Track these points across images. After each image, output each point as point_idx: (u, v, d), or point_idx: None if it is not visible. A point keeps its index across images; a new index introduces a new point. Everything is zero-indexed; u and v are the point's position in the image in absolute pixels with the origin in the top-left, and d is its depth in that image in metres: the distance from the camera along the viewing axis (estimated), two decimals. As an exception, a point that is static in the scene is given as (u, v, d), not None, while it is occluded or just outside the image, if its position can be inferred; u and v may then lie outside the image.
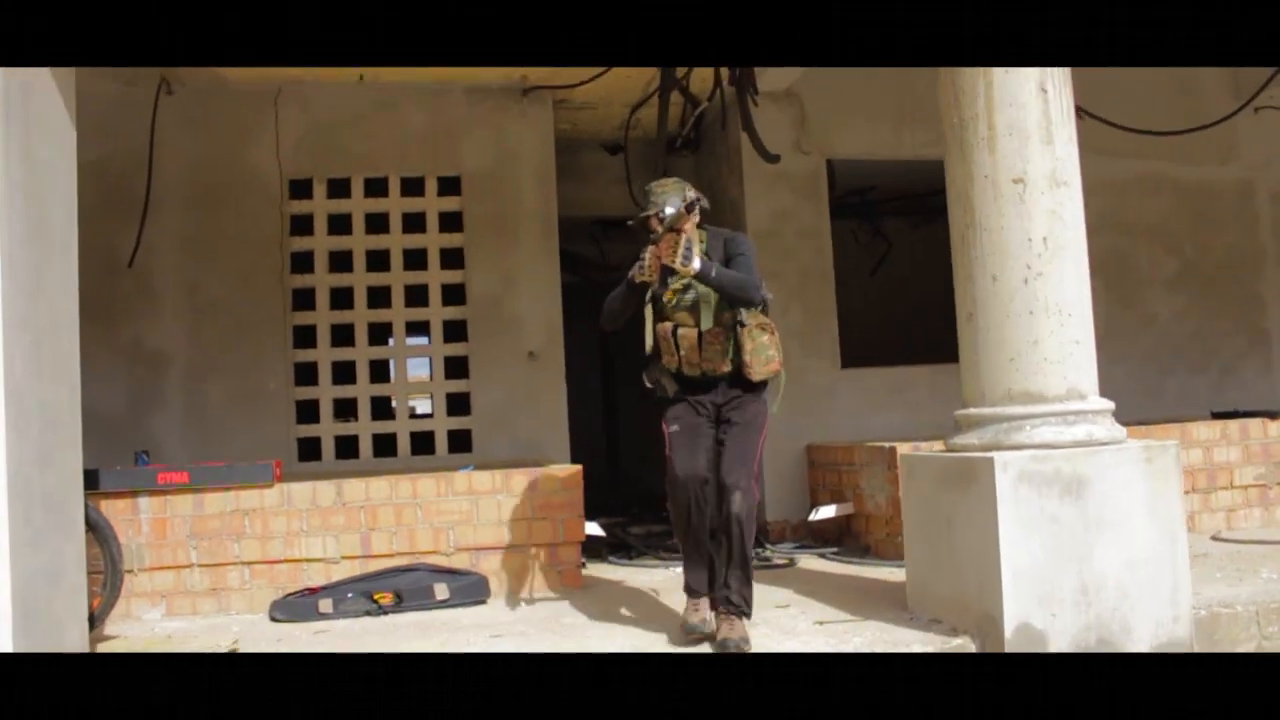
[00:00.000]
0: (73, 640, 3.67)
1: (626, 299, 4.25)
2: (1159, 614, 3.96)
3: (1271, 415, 6.71)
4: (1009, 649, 3.80)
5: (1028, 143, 4.13)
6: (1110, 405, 4.21)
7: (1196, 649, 4.04)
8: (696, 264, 4.00)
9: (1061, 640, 3.85)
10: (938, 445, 4.69)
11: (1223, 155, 8.43)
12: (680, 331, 4.22)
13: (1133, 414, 7.54)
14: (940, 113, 4.40)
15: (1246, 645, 4.19)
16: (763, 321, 4.19)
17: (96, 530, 4.45)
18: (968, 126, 4.22)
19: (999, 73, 4.14)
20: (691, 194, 4.24)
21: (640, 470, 11.12)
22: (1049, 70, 4.16)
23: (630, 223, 4.28)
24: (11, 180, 3.28)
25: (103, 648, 4.30)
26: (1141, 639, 3.93)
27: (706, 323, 4.17)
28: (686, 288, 4.20)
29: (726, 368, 4.19)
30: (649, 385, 4.35)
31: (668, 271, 4.12)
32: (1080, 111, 7.42)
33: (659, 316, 4.28)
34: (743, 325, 4.14)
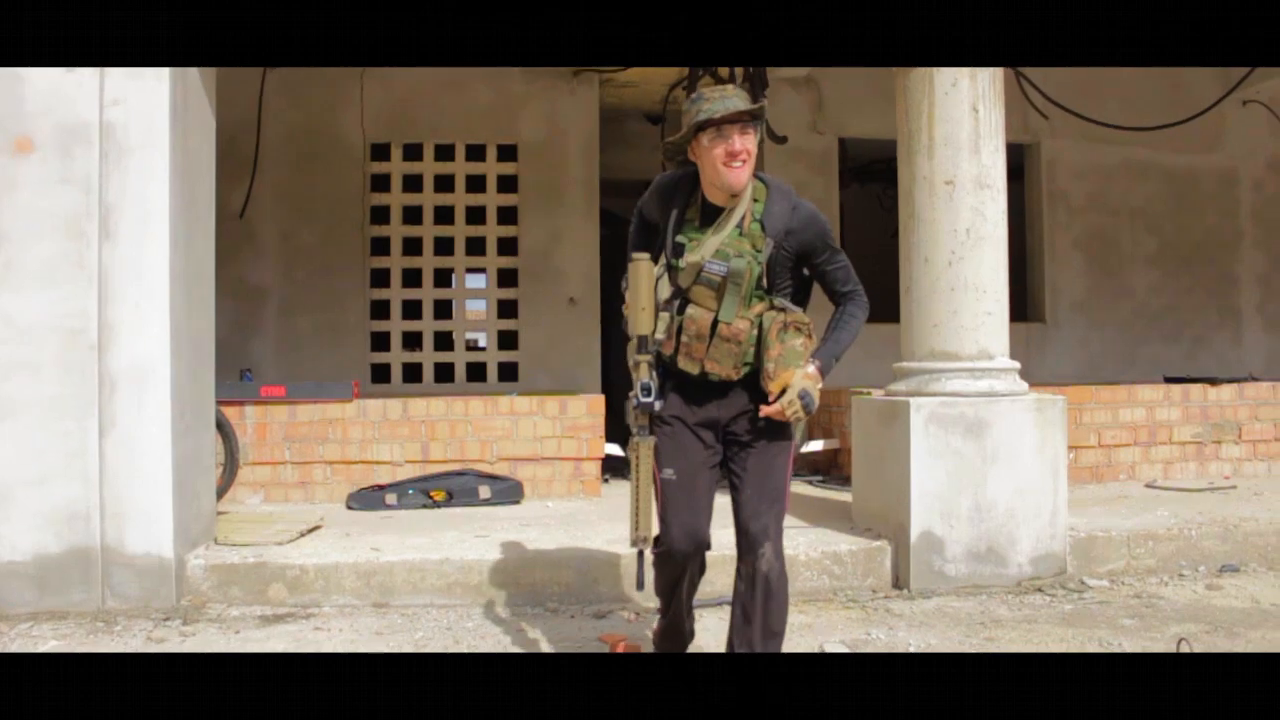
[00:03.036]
0: (206, 506, 4.93)
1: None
2: (1039, 532, 5.04)
3: (1212, 381, 7.64)
4: (913, 552, 4.90)
5: (959, 152, 5.13)
6: (1015, 365, 5.25)
7: (1070, 562, 5.12)
8: (817, 399, 3.06)
9: (957, 547, 4.94)
10: (887, 393, 5.76)
11: (1209, 144, 9.27)
12: (690, 312, 3.08)
13: (1106, 377, 8.57)
14: (896, 124, 5.42)
15: (1115, 564, 5.25)
16: (799, 320, 3.09)
17: (222, 429, 5.70)
18: (913, 137, 5.24)
19: (940, 94, 5.14)
20: (759, 109, 3.05)
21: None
22: (981, 93, 5.15)
23: (668, 143, 3.14)
24: (174, 167, 4.47)
25: (220, 520, 5.54)
26: (1023, 551, 5.02)
27: (729, 313, 3.04)
28: (716, 258, 3.05)
29: (737, 375, 3.09)
30: (632, 379, 3.11)
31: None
32: (1066, 110, 8.40)
33: (674, 278, 3.12)
34: (768, 319, 3.07)
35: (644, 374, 3.02)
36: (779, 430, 3.15)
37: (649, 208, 3.28)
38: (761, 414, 3.04)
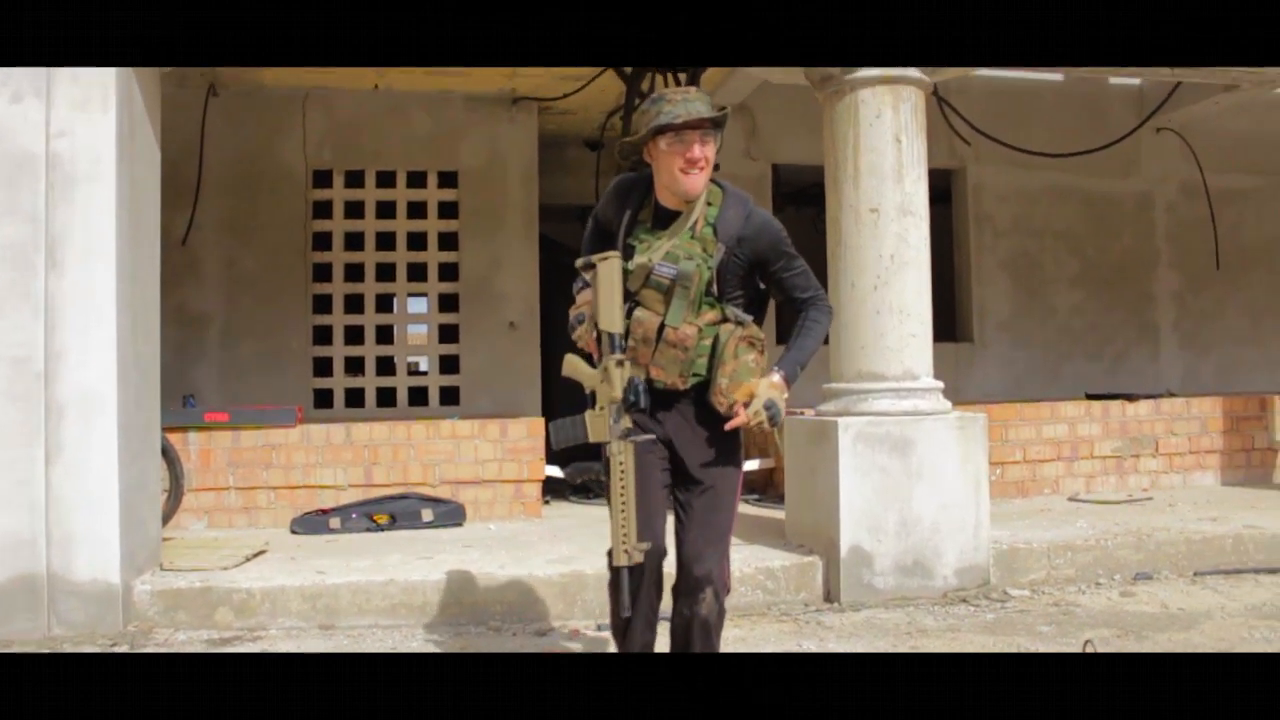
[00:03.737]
0: (152, 531, 5.00)
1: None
2: (963, 545, 5.27)
3: (1130, 398, 7.96)
4: (843, 566, 5.10)
5: (884, 181, 5.37)
6: (938, 385, 5.48)
7: (993, 573, 5.35)
8: (783, 411, 2.95)
9: (885, 561, 5.15)
10: (818, 412, 5.97)
11: (1126, 169, 9.65)
12: (638, 314, 2.97)
13: (1032, 393, 8.87)
14: (824, 155, 5.64)
15: (1036, 574, 5.49)
16: (754, 335, 2.99)
17: (167, 455, 5.76)
18: (840, 166, 5.47)
19: (864, 125, 5.37)
20: (721, 117, 2.97)
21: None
22: (904, 125, 5.39)
23: (624, 142, 3.05)
24: (121, 198, 4.56)
25: (165, 546, 5.59)
26: (948, 563, 5.24)
27: (676, 317, 2.94)
28: (666, 260, 2.96)
29: (683, 384, 2.97)
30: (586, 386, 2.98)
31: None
32: (989, 138, 8.73)
33: (624, 281, 2.99)
34: (729, 331, 2.96)
35: (624, 374, 2.85)
36: (729, 458, 3.05)
37: (604, 211, 3.17)
38: (727, 427, 2.93)
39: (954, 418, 5.36)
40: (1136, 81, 9.19)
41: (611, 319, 2.90)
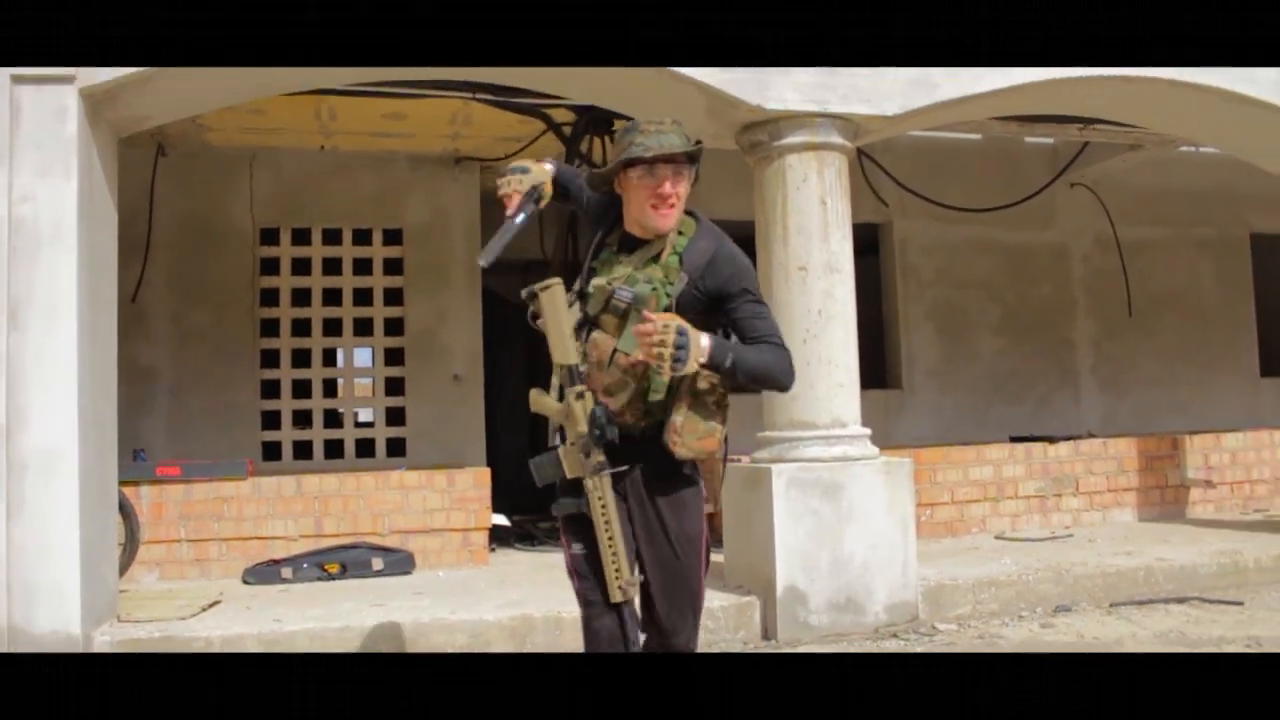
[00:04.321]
0: (110, 583, 5.13)
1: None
2: (892, 582, 5.55)
3: (1051, 440, 8.35)
4: (779, 605, 5.36)
5: (811, 240, 5.69)
6: (865, 431, 5.79)
7: (922, 609, 5.64)
8: (692, 364, 2.64)
9: (819, 599, 5.42)
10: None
11: (1043, 222, 10.14)
12: (594, 336, 2.86)
13: (960, 437, 9.24)
14: (755, 214, 5.96)
15: (963, 609, 5.78)
16: (715, 382, 2.75)
17: (123, 509, 5.88)
18: (770, 225, 5.79)
19: (792, 188, 5.70)
20: (695, 151, 2.85)
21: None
22: (829, 188, 5.72)
23: (595, 173, 2.97)
24: (82, 261, 4.73)
25: (121, 598, 5.70)
26: (879, 600, 5.52)
27: (629, 343, 2.75)
28: (627, 283, 2.83)
29: (635, 420, 2.82)
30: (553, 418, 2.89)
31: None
32: (912, 193, 9.16)
33: (585, 303, 2.90)
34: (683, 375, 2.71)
35: (586, 406, 2.74)
36: (693, 519, 2.87)
37: (593, 202, 3.05)
38: (633, 332, 2.67)
39: (880, 463, 5.67)
40: (1050, 140, 9.69)
41: (564, 350, 2.77)
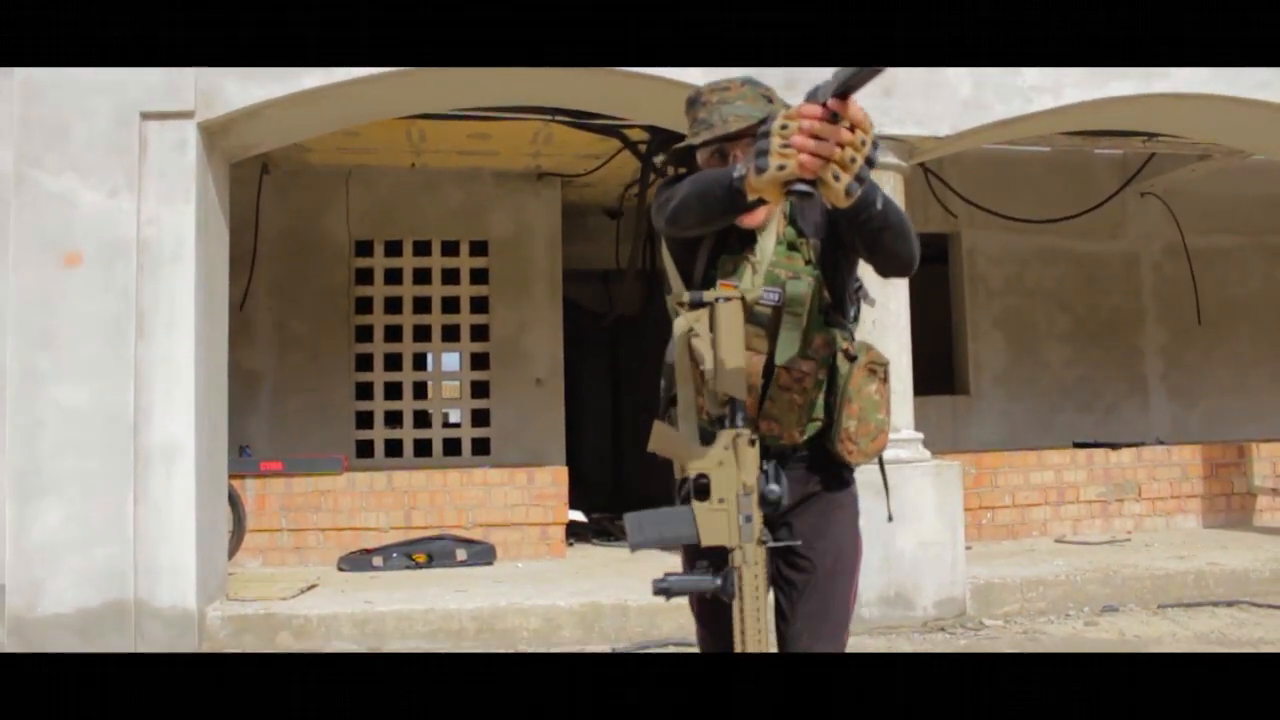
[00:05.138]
0: (220, 565, 5.69)
1: (714, 207, 2.08)
2: (941, 579, 5.87)
3: (1114, 446, 8.54)
4: (833, 596, 5.70)
5: (867, 255, 6.03)
6: (918, 436, 6.10)
7: (970, 605, 5.93)
8: (857, 188, 1.82)
9: (871, 594, 5.75)
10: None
11: (1112, 231, 10.28)
12: None
13: (1027, 444, 9.44)
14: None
15: (1010, 606, 6.07)
16: (876, 360, 2.34)
17: (231, 500, 6.46)
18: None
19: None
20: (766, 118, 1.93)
21: (637, 475, 13.09)
22: (884, 205, 6.05)
23: (670, 153, 2.49)
24: (199, 276, 5.29)
25: (229, 580, 6.26)
26: (928, 596, 5.83)
27: (788, 350, 2.25)
28: (768, 282, 2.28)
29: (802, 435, 2.32)
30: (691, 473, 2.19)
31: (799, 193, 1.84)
32: (979, 208, 9.38)
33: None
34: (849, 360, 2.31)
35: (756, 455, 2.14)
36: (849, 528, 2.47)
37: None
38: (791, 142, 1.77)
39: (931, 465, 5.98)
40: (1120, 151, 9.83)
41: (735, 378, 2.16)
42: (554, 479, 7.39)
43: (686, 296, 2.24)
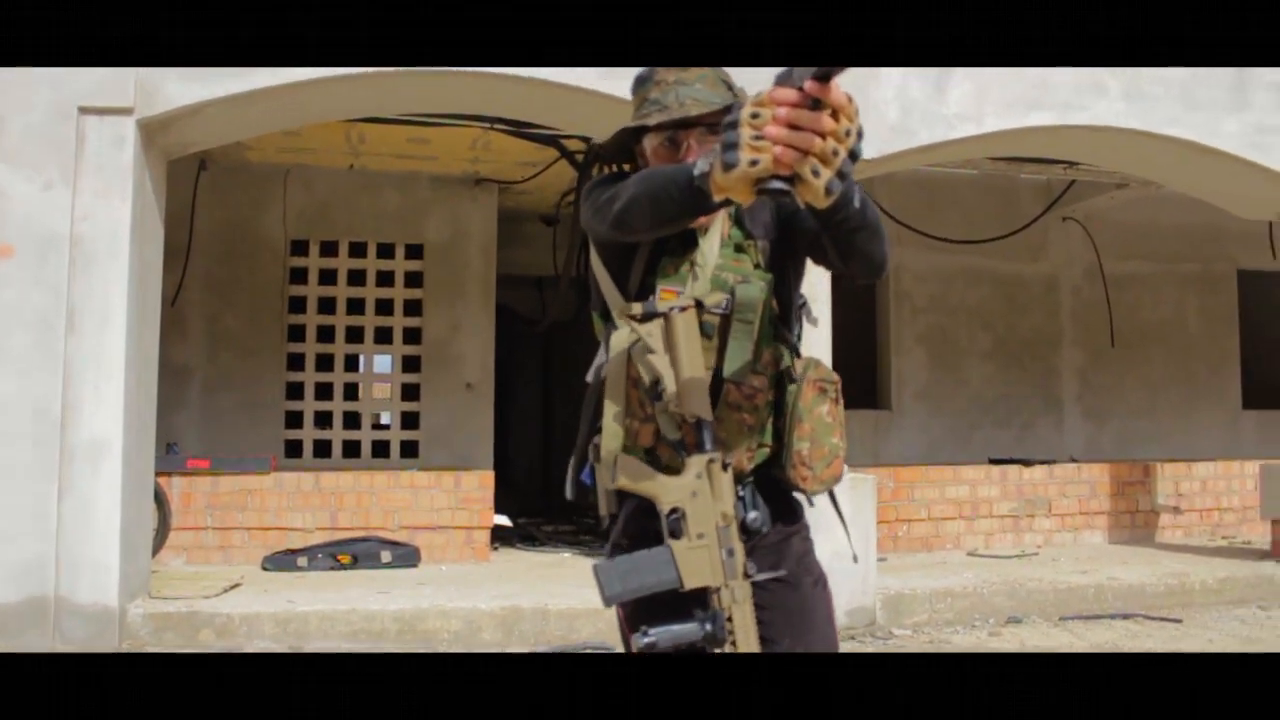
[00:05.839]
0: (144, 563, 5.71)
1: (669, 209, 1.79)
2: (853, 589, 6.06)
3: (1026, 463, 8.83)
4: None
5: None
6: (836, 450, 6.29)
7: (880, 615, 6.14)
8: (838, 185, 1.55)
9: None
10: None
11: (1034, 254, 10.62)
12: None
13: (946, 458, 9.71)
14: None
15: (919, 617, 6.29)
16: (825, 378, 2.09)
17: (157, 497, 6.47)
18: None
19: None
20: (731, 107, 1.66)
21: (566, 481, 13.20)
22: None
23: (598, 148, 2.15)
24: (132, 273, 5.32)
25: (152, 577, 6.27)
26: (839, 605, 5.99)
27: (738, 361, 2.00)
28: (715, 287, 2.04)
29: (750, 462, 2.06)
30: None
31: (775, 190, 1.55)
32: (907, 227, 9.64)
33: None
34: (793, 379, 2.05)
35: (729, 486, 1.92)
36: (812, 560, 2.21)
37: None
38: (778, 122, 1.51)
39: (846, 479, 6.17)
40: (1043, 177, 10.16)
41: (700, 397, 1.95)
42: (480, 483, 7.49)
43: (638, 308, 2.02)
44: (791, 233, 2.07)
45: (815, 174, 1.51)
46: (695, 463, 1.94)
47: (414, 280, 9.18)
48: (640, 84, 2.14)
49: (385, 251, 9.14)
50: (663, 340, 1.99)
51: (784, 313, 2.11)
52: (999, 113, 6.51)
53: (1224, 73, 6.98)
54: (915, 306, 10.33)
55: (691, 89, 2.05)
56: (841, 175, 1.53)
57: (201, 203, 8.63)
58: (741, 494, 1.99)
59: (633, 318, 2.02)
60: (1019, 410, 10.55)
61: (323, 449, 8.99)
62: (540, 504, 11.74)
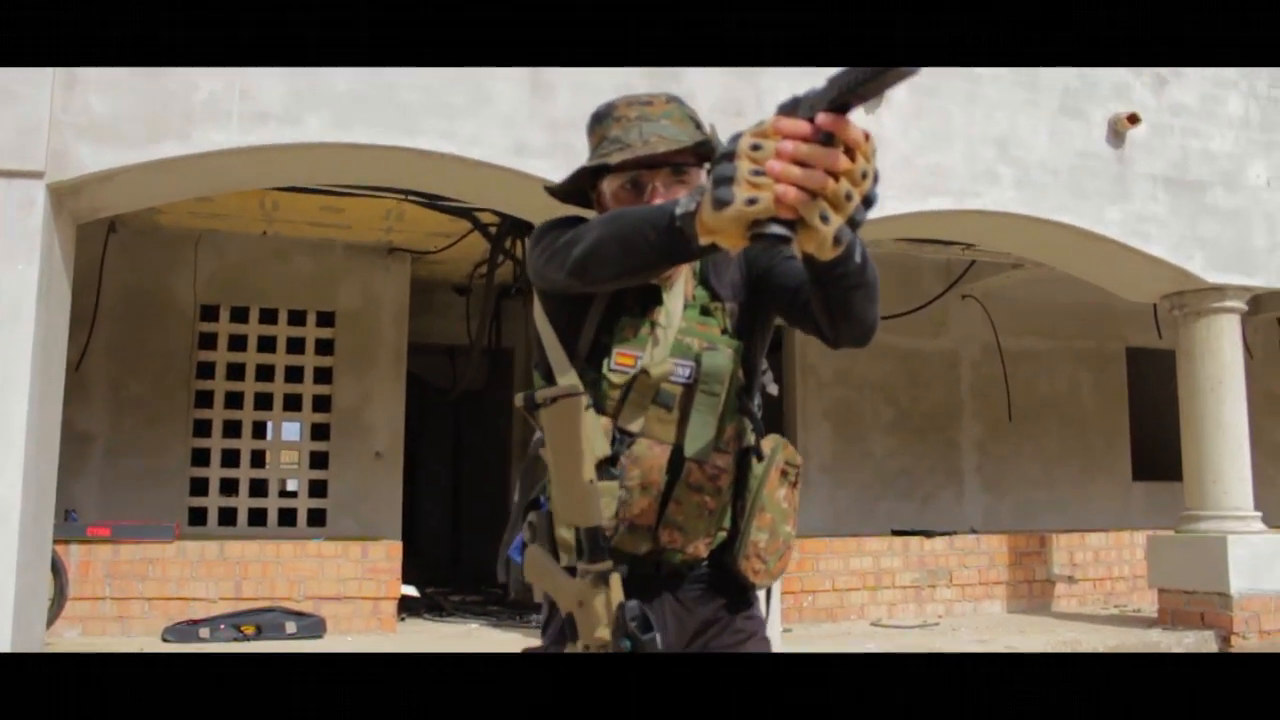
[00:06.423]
0: (38, 635, 5.57)
1: (643, 253, 1.57)
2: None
3: (928, 534, 9.05)
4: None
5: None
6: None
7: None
8: (848, 234, 1.39)
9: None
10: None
11: (935, 330, 10.97)
12: (637, 449, 1.84)
13: (850, 529, 9.90)
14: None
15: (824, 684, 6.39)
16: (790, 461, 1.95)
17: (53, 566, 6.31)
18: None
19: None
20: (703, 142, 1.85)
21: (476, 551, 13.13)
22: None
23: (551, 190, 2.02)
24: (38, 338, 5.27)
25: (47, 649, 6.11)
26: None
27: (702, 438, 1.84)
28: (677, 353, 1.87)
29: (708, 549, 1.88)
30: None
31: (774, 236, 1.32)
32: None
33: (596, 401, 1.85)
34: (760, 457, 1.91)
35: (615, 595, 1.70)
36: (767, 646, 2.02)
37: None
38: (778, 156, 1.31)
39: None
40: (944, 257, 10.54)
41: (585, 506, 1.74)
42: (388, 553, 7.45)
43: (519, 399, 1.83)
44: (764, 294, 1.93)
45: (824, 220, 1.32)
46: (584, 570, 1.74)
47: (325, 347, 9.16)
48: (598, 120, 1.95)
49: (296, 318, 9.13)
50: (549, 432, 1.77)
51: (748, 382, 1.94)
52: (900, 197, 6.80)
53: (1107, 164, 7.39)
54: (821, 381, 10.58)
55: (657, 125, 1.87)
56: (853, 223, 1.36)
57: (110, 265, 8.54)
58: (634, 613, 1.69)
59: (517, 403, 1.85)
60: (921, 482, 10.82)
61: (228, 517, 8.86)
62: (448, 573, 11.67)
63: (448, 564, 13.36)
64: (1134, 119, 7.43)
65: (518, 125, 5.88)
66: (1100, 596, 9.35)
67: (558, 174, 5.76)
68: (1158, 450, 11.75)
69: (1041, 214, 7.20)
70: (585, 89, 5.92)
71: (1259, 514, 7.79)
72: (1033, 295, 11.07)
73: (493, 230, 8.37)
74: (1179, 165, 7.71)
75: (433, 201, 7.63)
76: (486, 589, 9.74)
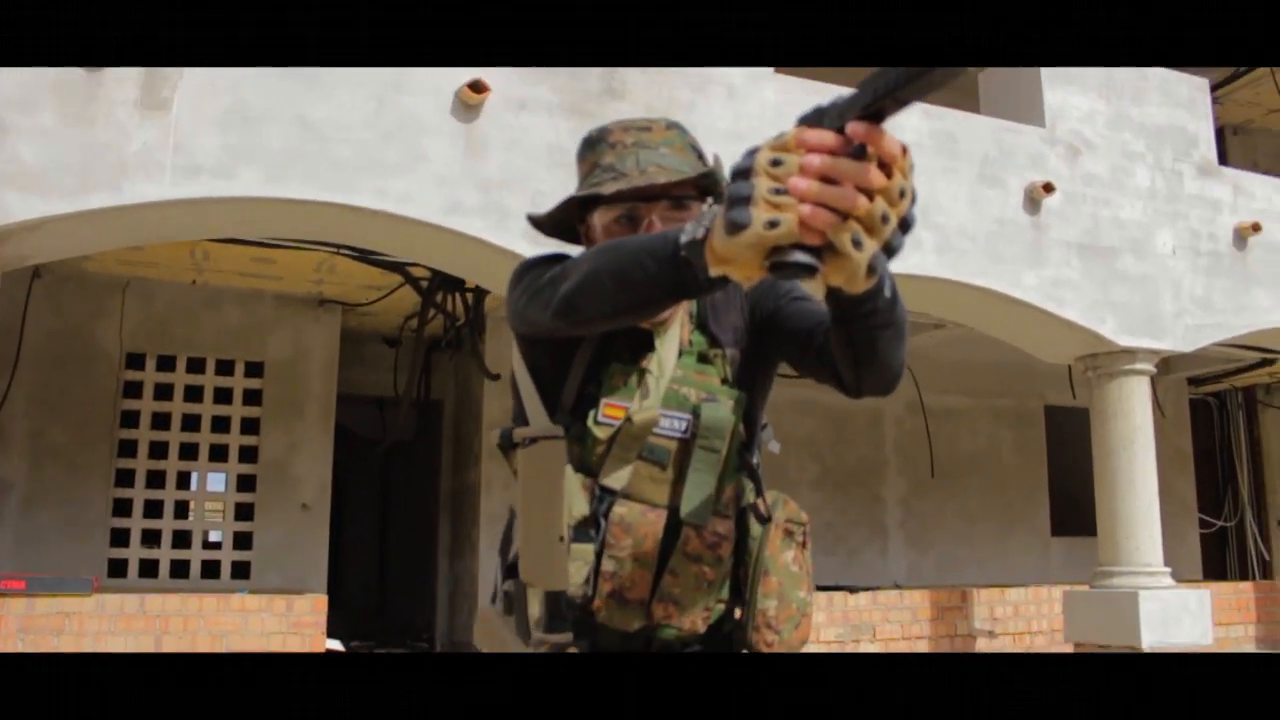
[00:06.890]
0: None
1: (643, 287, 1.36)
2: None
3: (851, 590, 9.18)
4: None
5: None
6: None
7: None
8: (883, 263, 1.21)
9: None
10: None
11: (860, 388, 11.18)
12: (622, 512, 1.66)
13: (776, 581, 9.99)
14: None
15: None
16: (794, 518, 1.85)
17: (-35, 618, 6.19)
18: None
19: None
20: (705, 174, 1.70)
21: (403, 604, 13.01)
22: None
23: (534, 221, 1.81)
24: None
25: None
26: None
27: (697, 499, 1.68)
28: (669, 404, 1.71)
29: (705, 623, 1.72)
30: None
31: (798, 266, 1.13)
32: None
33: (579, 459, 1.69)
34: (762, 519, 1.79)
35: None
36: None
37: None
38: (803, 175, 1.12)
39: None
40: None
41: (551, 567, 1.61)
42: (313, 607, 7.39)
43: (496, 435, 1.70)
44: (770, 339, 1.76)
45: (857, 245, 1.13)
46: (540, 641, 1.59)
47: (252, 398, 9.10)
48: (590, 146, 1.77)
49: (224, 368, 9.07)
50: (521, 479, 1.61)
51: (749, 437, 1.80)
52: (824, 258, 6.96)
53: (1023, 231, 7.67)
54: (748, 435, 10.71)
55: (656, 153, 1.69)
56: (889, 250, 1.17)
57: (34, 311, 8.44)
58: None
59: (496, 444, 1.72)
60: (845, 537, 10.98)
61: (149, 569, 8.71)
62: (373, 627, 11.54)
63: (373, 616, 13.21)
64: (1049, 188, 7.73)
65: (450, 184, 5.96)
66: (1020, 650, 9.52)
67: (490, 233, 5.86)
68: (1076, 506, 12.04)
69: (961, 278, 7.43)
70: (518, 148, 6.04)
71: (1168, 569, 8.03)
72: (954, 354, 11.34)
73: (424, 284, 8.43)
74: (1091, 233, 8.01)
75: (365, 255, 7.67)
76: (411, 643, 9.68)
